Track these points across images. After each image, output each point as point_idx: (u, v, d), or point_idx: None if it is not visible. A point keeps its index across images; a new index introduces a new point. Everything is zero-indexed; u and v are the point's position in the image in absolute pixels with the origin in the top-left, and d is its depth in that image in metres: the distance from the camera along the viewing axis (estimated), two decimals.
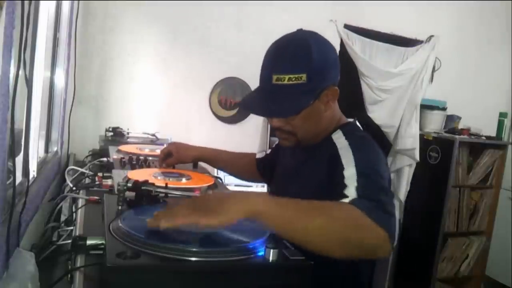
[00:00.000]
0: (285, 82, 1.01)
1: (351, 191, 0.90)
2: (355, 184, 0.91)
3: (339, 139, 1.08)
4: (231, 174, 1.59)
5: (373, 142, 1.11)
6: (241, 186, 2.39)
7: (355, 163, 0.97)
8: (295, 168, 1.22)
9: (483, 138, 3.36)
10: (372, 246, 0.84)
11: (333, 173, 0.99)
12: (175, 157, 1.49)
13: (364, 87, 3.21)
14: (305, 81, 1.00)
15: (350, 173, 0.95)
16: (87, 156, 2.11)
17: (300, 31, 1.09)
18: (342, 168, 0.97)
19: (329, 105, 1.09)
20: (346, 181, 0.93)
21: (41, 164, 1.61)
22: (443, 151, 3.22)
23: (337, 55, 1.10)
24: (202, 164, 1.61)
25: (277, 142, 1.47)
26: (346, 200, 0.88)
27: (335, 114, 1.15)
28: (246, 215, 0.77)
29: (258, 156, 1.57)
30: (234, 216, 0.76)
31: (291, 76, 1.00)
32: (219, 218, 0.75)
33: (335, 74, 1.08)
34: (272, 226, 0.81)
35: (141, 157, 1.63)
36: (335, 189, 0.93)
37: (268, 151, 1.59)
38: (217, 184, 1.36)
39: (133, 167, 1.49)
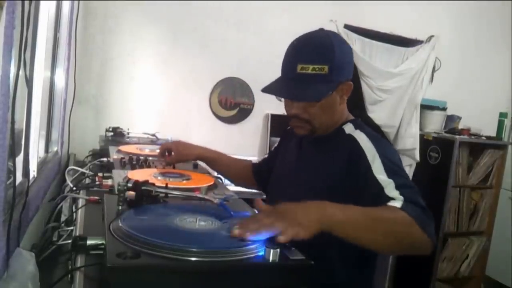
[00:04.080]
0: (309, 71, 1.08)
1: (394, 194, 0.99)
2: (394, 186, 1.01)
3: (355, 133, 1.16)
4: (227, 177, 1.60)
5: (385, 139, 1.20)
6: None
7: (382, 161, 1.05)
8: (301, 163, 1.26)
9: (483, 138, 3.36)
10: (419, 249, 0.98)
11: (357, 170, 1.07)
12: (176, 155, 1.49)
13: (364, 87, 3.21)
14: (326, 73, 1.08)
15: (380, 172, 1.04)
16: (87, 156, 2.11)
17: (322, 29, 1.17)
18: (369, 166, 1.05)
19: (343, 99, 1.19)
20: (383, 183, 1.02)
21: (41, 164, 1.61)
22: (443, 151, 3.22)
23: (352, 55, 1.19)
24: (202, 164, 1.61)
25: (274, 146, 1.49)
26: (396, 205, 0.96)
27: (345, 109, 1.23)
28: (323, 228, 0.86)
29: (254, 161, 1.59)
30: (314, 229, 0.84)
31: (315, 66, 1.08)
32: (304, 231, 0.82)
33: (350, 70, 1.16)
34: (343, 235, 0.90)
35: (141, 157, 1.63)
36: (371, 188, 1.02)
37: (266, 156, 1.60)
38: (217, 184, 1.36)
39: (133, 167, 1.49)
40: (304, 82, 1.09)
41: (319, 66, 1.08)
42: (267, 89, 1.14)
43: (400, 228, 0.94)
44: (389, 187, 1.00)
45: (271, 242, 0.80)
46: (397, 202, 0.97)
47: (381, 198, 0.99)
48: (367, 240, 0.94)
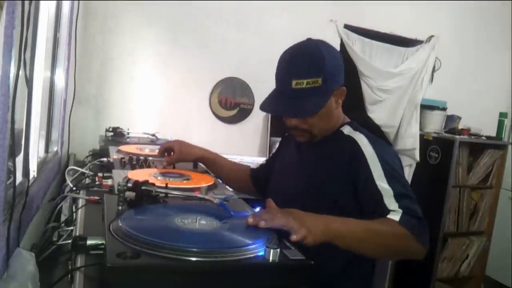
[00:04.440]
0: (304, 86, 1.11)
1: (394, 206, 1.03)
2: (393, 194, 1.05)
3: (354, 134, 1.18)
4: (225, 181, 1.56)
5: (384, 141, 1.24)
6: None
7: (382, 166, 1.08)
8: (300, 165, 1.27)
9: (483, 138, 3.35)
10: (412, 256, 1.06)
11: (357, 171, 1.10)
12: (177, 155, 1.49)
13: (364, 87, 3.21)
14: (320, 84, 1.11)
15: (380, 178, 1.07)
16: (87, 156, 2.11)
17: (310, 39, 1.19)
18: (370, 171, 1.08)
19: (338, 103, 1.22)
20: (383, 191, 1.06)
21: (41, 164, 1.61)
22: (443, 151, 3.22)
23: (342, 59, 1.20)
24: (201, 164, 1.61)
25: (273, 152, 1.50)
26: (395, 218, 1.01)
27: (341, 111, 1.26)
28: (326, 239, 0.92)
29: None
30: (319, 238, 0.90)
31: (309, 80, 1.10)
32: (310, 236, 0.88)
33: (342, 75, 1.19)
34: (344, 246, 0.97)
35: (141, 157, 1.63)
36: (371, 195, 1.06)
37: (264, 162, 1.61)
38: (217, 184, 1.36)
39: (133, 167, 1.49)
40: (300, 97, 1.12)
41: (313, 80, 1.10)
42: (264, 107, 1.18)
43: (398, 241, 1.01)
44: (388, 196, 1.04)
45: (271, 241, 0.80)
46: (396, 215, 1.01)
47: (381, 208, 1.04)
48: (366, 251, 1.03)
